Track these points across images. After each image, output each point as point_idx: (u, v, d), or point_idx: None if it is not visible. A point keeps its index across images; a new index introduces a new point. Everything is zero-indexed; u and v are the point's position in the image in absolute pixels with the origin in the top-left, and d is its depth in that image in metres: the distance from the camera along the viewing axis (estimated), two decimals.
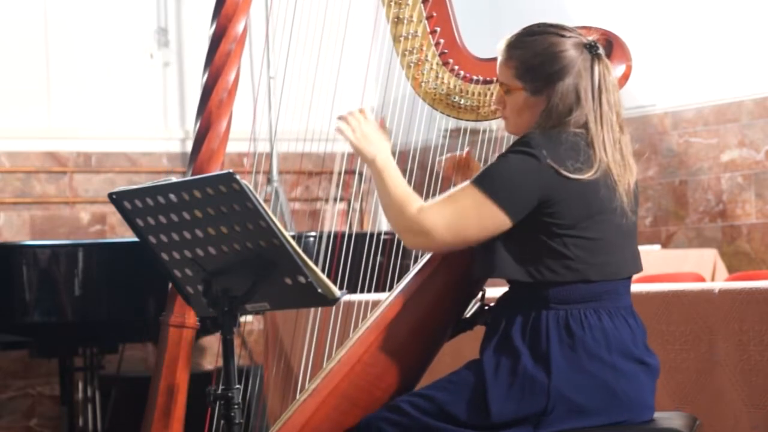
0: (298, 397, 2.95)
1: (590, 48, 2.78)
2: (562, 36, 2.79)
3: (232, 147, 3.36)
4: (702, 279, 5.31)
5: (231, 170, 2.52)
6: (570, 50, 2.77)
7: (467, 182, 2.75)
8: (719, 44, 6.23)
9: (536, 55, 2.77)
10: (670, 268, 5.57)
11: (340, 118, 2.90)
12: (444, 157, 3.11)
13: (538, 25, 2.84)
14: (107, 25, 6.84)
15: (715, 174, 6.23)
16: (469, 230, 2.72)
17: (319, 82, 3.66)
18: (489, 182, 2.71)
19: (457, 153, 3.11)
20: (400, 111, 3.50)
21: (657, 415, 2.81)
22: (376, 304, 3.04)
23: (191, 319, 3.10)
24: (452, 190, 2.77)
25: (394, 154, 2.89)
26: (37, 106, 6.69)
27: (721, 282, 4.37)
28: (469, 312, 2.96)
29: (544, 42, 2.78)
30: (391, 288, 3.07)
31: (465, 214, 2.71)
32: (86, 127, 6.80)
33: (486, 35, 3.04)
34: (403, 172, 3.32)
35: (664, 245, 6.39)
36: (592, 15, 6.32)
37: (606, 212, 2.73)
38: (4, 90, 6.61)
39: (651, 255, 5.90)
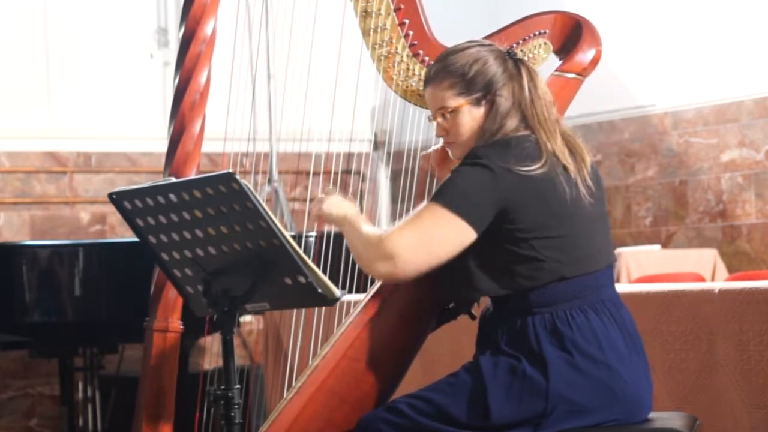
0: (285, 395, 2.95)
1: (509, 54, 2.85)
2: (483, 46, 2.86)
3: (232, 147, 3.36)
4: (702, 279, 5.31)
5: (230, 170, 2.52)
6: (494, 58, 2.83)
7: (425, 202, 2.77)
8: (719, 44, 6.23)
9: (470, 66, 2.81)
10: (670, 268, 5.58)
11: (312, 206, 2.95)
12: (422, 154, 3.12)
13: (455, 45, 2.88)
14: (107, 25, 6.85)
15: (715, 174, 6.24)
16: (435, 247, 2.73)
17: (319, 81, 3.66)
18: (446, 196, 2.73)
19: (433, 147, 3.11)
20: (401, 111, 3.50)
21: (657, 415, 2.81)
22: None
23: (175, 323, 3.10)
24: (414, 212, 2.78)
25: (394, 154, 2.90)
26: (37, 106, 6.70)
27: (721, 282, 4.38)
28: (452, 303, 2.97)
29: (470, 55, 2.83)
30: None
31: (428, 232, 2.72)
32: (86, 127, 6.80)
33: (483, 32, 3.03)
34: (404, 171, 3.32)
35: (664, 245, 6.39)
36: (591, 15, 6.31)
37: (568, 207, 2.74)
38: (4, 90, 6.61)
39: (651, 255, 5.90)
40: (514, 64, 2.83)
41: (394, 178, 6.73)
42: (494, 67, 2.81)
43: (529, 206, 2.71)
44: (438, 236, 2.72)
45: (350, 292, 3.38)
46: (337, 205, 2.89)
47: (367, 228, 2.81)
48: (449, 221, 2.71)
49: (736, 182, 6.15)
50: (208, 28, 3.17)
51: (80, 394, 6.16)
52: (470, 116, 2.82)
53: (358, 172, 6.97)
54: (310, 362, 2.98)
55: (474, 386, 2.73)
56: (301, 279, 2.58)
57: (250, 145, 5.75)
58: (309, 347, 3.22)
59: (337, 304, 3.18)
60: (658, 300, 3.43)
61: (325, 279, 2.60)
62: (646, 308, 3.39)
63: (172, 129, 3.17)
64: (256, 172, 6.52)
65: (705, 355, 3.34)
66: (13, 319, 5.20)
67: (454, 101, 2.82)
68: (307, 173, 6.89)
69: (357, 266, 3.13)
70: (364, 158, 6.82)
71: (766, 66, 6.06)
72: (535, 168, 2.71)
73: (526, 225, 2.71)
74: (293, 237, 2.58)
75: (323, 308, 3.33)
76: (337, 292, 2.61)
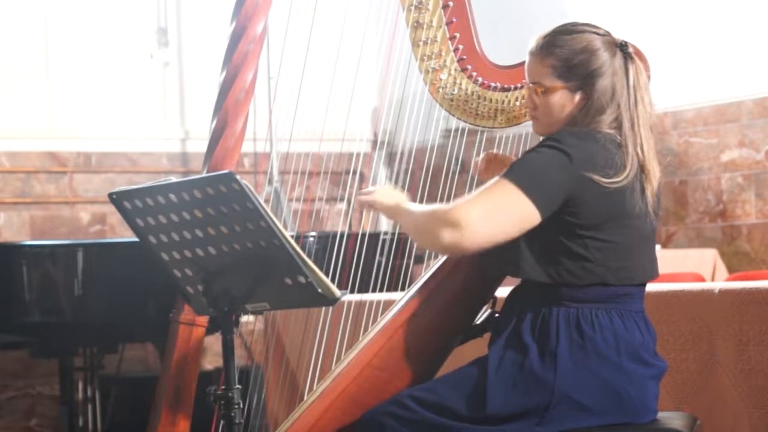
0: (305, 398, 2.95)
1: (622, 47, 2.80)
2: (597, 34, 2.80)
3: None
4: (702, 279, 5.30)
5: (231, 170, 2.52)
6: (606, 49, 2.78)
7: (498, 176, 2.74)
8: (719, 44, 6.23)
9: (576, 54, 2.77)
10: (670, 268, 5.57)
11: (360, 196, 2.95)
12: (479, 158, 3.11)
13: (572, 23, 2.84)
14: (107, 25, 6.85)
15: (715, 174, 6.23)
16: (503, 223, 2.68)
17: (319, 82, 3.66)
18: (521, 175, 2.70)
19: (493, 151, 3.10)
20: (401, 111, 3.50)
21: (657, 415, 2.81)
22: (379, 304, 3.04)
23: (201, 317, 3.10)
24: (484, 186, 2.75)
25: (394, 154, 2.90)
26: (37, 106, 6.69)
27: (721, 282, 4.37)
28: (480, 318, 2.95)
29: (583, 40, 2.78)
30: (393, 288, 3.07)
31: (498, 207, 2.68)
32: (86, 127, 6.80)
33: (484, 38, 3.04)
34: (404, 172, 3.32)
35: (664, 245, 6.39)
36: (593, 16, 6.32)
37: (630, 217, 2.73)
38: (4, 90, 6.61)
39: None
40: (623, 59, 2.78)
41: (395, 178, 6.73)
42: (600, 60, 2.76)
43: (595, 205, 2.70)
44: (506, 213, 2.68)
45: (361, 292, 3.38)
46: (389, 194, 2.89)
47: (423, 207, 2.79)
48: (518, 200, 2.67)
49: (736, 182, 6.14)
50: (258, 27, 3.17)
51: (80, 394, 6.16)
52: (562, 101, 2.79)
53: (358, 172, 6.97)
54: (332, 367, 2.98)
55: (478, 379, 2.73)
56: (301, 279, 2.58)
57: (250, 145, 5.75)
58: (332, 350, 3.22)
59: (363, 307, 3.18)
60: (658, 300, 3.43)
61: (325, 279, 2.60)
62: (646, 308, 3.38)
63: (214, 124, 3.17)
64: (257, 172, 6.52)
65: (705, 355, 3.34)
66: (13, 319, 5.20)
67: (550, 82, 2.79)
68: (307, 173, 6.90)
69: (358, 266, 3.12)
70: (364, 158, 6.82)
71: (766, 66, 6.06)
72: (618, 181, 2.69)
73: (586, 222, 2.70)
74: (293, 237, 2.58)
75: (345, 312, 3.33)
76: (336, 292, 2.61)
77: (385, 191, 2.91)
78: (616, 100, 2.76)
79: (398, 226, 2.92)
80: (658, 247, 6.16)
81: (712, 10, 6.27)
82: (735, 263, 6.11)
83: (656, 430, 2.75)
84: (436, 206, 2.74)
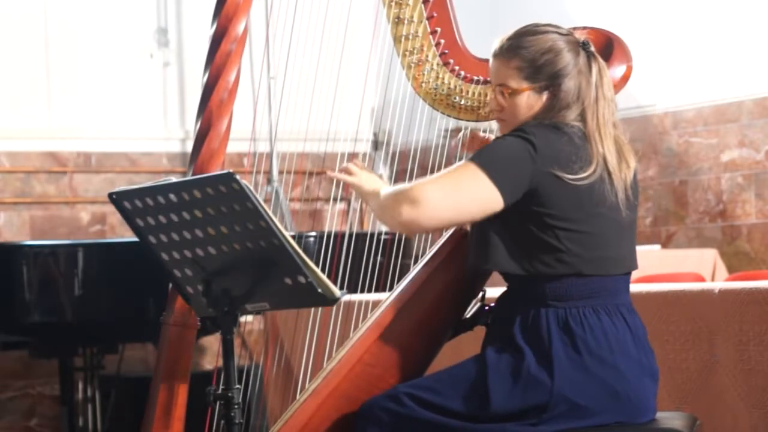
0: (298, 397, 2.96)
1: (584, 46, 2.82)
2: (560, 34, 2.83)
3: (232, 147, 3.37)
4: (702, 279, 5.30)
5: (231, 170, 2.52)
6: (569, 48, 2.80)
7: (464, 160, 2.77)
8: (719, 44, 6.23)
9: (542, 54, 2.79)
10: (670, 268, 5.57)
11: (341, 170, 2.95)
12: (463, 133, 3.12)
13: (534, 25, 2.86)
14: (107, 25, 6.85)
15: (715, 174, 6.23)
16: (462, 203, 2.72)
17: (319, 82, 3.66)
18: (485, 158, 2.73)
19: (480, 133, 3.12)
20: (401, 111, 3.50)
21: (657, 415, 2.81)
22: (376, 304, 3.04)
23: (192, 318, 3.10)
24: (449, 167, 2.78)
25: (394, 154, 2.91)
26: (37, 106, 6.69)
27: (721, 282, 4.37)
28: (469, 312, 2.96)
29: (547, 41, 2.80)
30: (391, 288, 3.07)
31: (460, 187, 2.71)
32: (86, 127, 6.80)
33: (485, 35, 3.04)
34: (403, 172, 3.32)
35: (664, 245, 6.39)
36: (592, 15, 6.32)
37: (601, 206, 2.74)
38: (4, 90, 6.61)
39: (651, 255, 5.90)
40: (586, 57, 2.81)
41: (395, 178, 6.73)
42: (565, 60, 2.78)
43: (562, 198, 2.71)
44: (467, 193, 2.72)
45: (361, 292, 3.38)
46: (371, 180, 2.90)
47: (390, 188, 2.82)
48: (481, 182, 2.70)
49: (736, 182, 6.14)
50: (239, 27, 3.18)
51: (80, 394, 6.16)
52: (529, 101, 2.81)
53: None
54: (324, 365, 2.99)
55: (476, 378, 2.73)
56: (301, 279, 2.58)
57: (250, 145, 5.76)
58: (324, 349, 3.22)
59: (354, 306, 3.19)
60: (658, 300, 3.43)
61: (325, 279, 2.61)
62: (646, 308, 3.39)
63: (198, 126, 3.17)
64: (256, 172, 6.52)
65: (705, 355, 3.34)
66: (13, 319, 5.21)
67: (517, 84, 2.81)
68: (307, 173, 6.90)
69: (365, 267, 3.12)
70: (364, 158, 6.82)
71: (766, 66, 6.06)
72: (583, 177, 2.71)
73: (554, 212, 2.71)
74: (293, 237, 2.58)
75: (339, 312, 3.34)
76: (336, 292, 2.61)
77: (369, 179, 2.91)
78: (581, 97, 2.78)
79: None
80: (657, 246, 6.17)
81: (712, 10, 6.27)
82: (735, 263, 6.11)
83: (656, 430, 2.75)
84: (401, 185, 2.78)
